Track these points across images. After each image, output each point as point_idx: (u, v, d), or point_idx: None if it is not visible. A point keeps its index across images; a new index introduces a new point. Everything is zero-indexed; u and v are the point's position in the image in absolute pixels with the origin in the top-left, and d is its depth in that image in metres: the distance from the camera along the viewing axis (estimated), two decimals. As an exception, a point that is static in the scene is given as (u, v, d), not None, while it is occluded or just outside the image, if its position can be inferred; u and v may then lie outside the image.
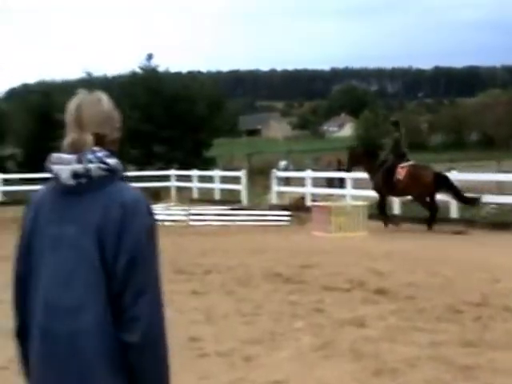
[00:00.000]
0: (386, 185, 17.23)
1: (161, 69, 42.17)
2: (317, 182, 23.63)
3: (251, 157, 41.70)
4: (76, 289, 2.54)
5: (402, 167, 17.13)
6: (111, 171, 2.60)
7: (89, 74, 43.68)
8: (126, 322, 2.53)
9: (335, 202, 17.96)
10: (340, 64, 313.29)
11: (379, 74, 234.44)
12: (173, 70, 51.03)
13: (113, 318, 2.54)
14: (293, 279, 10.48)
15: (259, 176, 29.04)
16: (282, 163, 28.62)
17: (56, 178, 2.59)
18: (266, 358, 6.65)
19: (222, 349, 6.92)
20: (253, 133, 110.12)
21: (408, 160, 17.48)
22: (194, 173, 28.73)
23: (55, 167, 2.58)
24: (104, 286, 2.54)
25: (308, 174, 22.57)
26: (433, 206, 17.01)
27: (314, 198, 21.62)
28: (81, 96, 2.70)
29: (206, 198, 26.66)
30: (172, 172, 29.88)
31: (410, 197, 17.92)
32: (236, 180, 26.21)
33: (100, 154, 2.59)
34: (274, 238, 16.54)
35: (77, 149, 2.59)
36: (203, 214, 20.78)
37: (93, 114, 2.65)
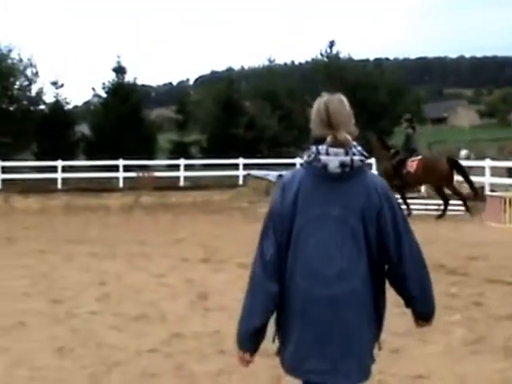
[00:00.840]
0: (397, 177, 18.39)
1: (343, 56, 42.16)
2: (499, 172, 22.71)
3: (432, 145, 40.74)
4: (341, 260, 3.08)
5: (413, 161, 18.34)
6: (365, 162, 3.19)
7: (272, 62, 44.41)
8: (409, 280, 3.21)
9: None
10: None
11: None
12: (359, 57, 50.73)
13: (372, 281, 3.15)
14: (457, 271, 10.19)
15: (440, 165, 28.29)
16: (463, 152, 27.68)
17: (323, 167, 3.12)
18: (413, 351, 6.47)
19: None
20: (439, 121, 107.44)
21: (418, 155, 18.73)
22: (373, 160, 28.45)
23: (324, 158, 3.12)
24: (364, 257, 3.12)
25: (487, 163, 21.75)
26: (445, 196, 18.40)
27: (493, 188, 20.76)
28: (326, 98, 3.25)
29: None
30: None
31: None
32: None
33: (359, 148, 3.19)
34: (446, 227, 16.08)
35: (340, 144, 3.13)
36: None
37: (340, 115, 3.21)
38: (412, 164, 18.36)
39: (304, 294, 3.10)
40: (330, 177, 3.13)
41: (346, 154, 3.12)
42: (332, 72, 39.31)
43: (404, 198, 18.74)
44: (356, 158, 3.14)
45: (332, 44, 42.07)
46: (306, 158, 3.22)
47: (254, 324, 3.22)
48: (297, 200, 3.15)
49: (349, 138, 3.16)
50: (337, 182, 3.13)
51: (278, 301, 3.20)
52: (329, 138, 3.15)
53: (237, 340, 3.31)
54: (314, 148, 3.17)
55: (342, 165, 3.11)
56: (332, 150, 3.12)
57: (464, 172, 18.68)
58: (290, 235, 3.16)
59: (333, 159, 3.11)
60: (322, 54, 42.01)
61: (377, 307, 3.21)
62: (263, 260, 3.20)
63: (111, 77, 39.94)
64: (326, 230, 3.11)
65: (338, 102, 3.25)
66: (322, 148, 3.14)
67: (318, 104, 3.26)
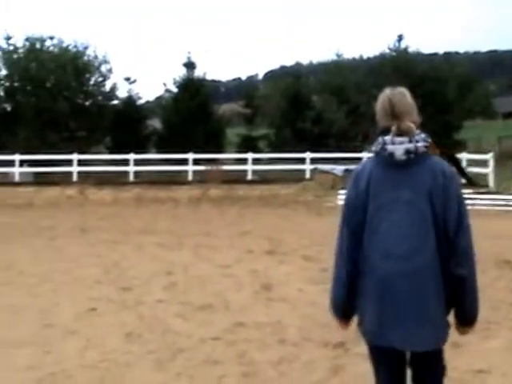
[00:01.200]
0: None
1: (412, 50, 41.67)
2: None
3: (502, 140, 39.96)
4: (412, 238, 3.38)
5: None
6: (428, 148, 3.44)
7: (339, 56, 44.22)
8: (458, 258, 3.40)
9: None
10: None
11: None
12: (429, 51, 49.87)
13: (440, 257, 3.38)
14: (522, 267, 10.07)
15: (511, 160, 27.77)
16: (533, 147, 27.14)
17: (390, 155, 3.41)
18: (474, 346, 6.42)
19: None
20: (510, 115, 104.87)
21: None
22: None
23: (390, 147, 3.42)
24: (432, 234, 3.37)
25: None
26: None
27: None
28: (389, 92, 3.56)
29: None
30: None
31: None
32: (484, 163, 25.32)
33: (423, 136, 3.46)
34: (514, 223, 15.82)
35: (404, 133, 3.42)
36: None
37: (403, 105, 3.50)
38: None
39: (380, 271, 3.42)
40: (397, 164, 3.42)
41: (410, 141, 3.40)
42: (400, 66, 38.86)
43: None
44: (420, 144, 3.41)
45: (400, 38, 41.63)
46: (374, 148, 3.51)
47: (339, 297, 3.66)
48: (369, 188, 3.46)
49: (412, 126, 3.44)
50: (404, 168, 3.41)
51: (357, 279, 3.55)
52: (393, 128, 3.43)
53: (331, 311, 3.76)
54: (380, 139, 3.47)
55: (407, 152, 3.39)
56: (397, 139, 3.41)
57: (457, 164, 19.94)
58: (365, 221, 3.47)
59: (398, 147, 3.40)
60: (390, 49, 41.63)
61: (446, 281, 3.44)
62: (342, 247, 3.59)
63: (182, 72, 40.55)
64: (397, 213, 3.41)
65: (400, 94, 3.55)
66: (388, 138, 3.43)
67: (382, 97, 3.57)
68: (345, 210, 3.59)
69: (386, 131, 3.49)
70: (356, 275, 3.55)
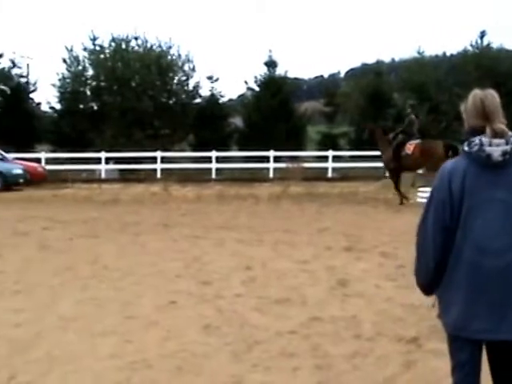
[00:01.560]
0: (394, 159, 19.45)
1: (495, 46, 40.75)
2: None
3: None
4: (505, 235, 3.53)
5: (411, 144, 19.28)
6: None
7: (421, 53, 43.61)
8: None
9: None
10: None
11: None
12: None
13: None
14: None
15: None
16: None
17: (487, 156, 3.53)
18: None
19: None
20: None
21: (417, 139, 19.53)
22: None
23: (488, 148, 3.54)
24: None
25: None
26: None
27: None
28: (480, 92, 3.70)
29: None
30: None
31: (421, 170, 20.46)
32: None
33: None
34: None
35: (499, 135, 3.55)
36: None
37: (494, 107, 3.64)
38: (410, 147, 19.22)
39: (473, 266, 3.55)
40: (493, 164, 3.54)
41: (507, 143, 3.53)
42: (482, 63, 38.00)
43: (397, 183, 19.75)
44: None
45: (483, 34, 40.71)
46: (467, 148, 3.62)
47: (423, 282, 3.83)
48: (464, 186, 3.58)
49: (505, 127, 3.57)
50: (499, 168, 3.54)
51: (441, 272, 3.68)
52: (488, 131, 3.56)
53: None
54: (477, 140, 3.57)
55: (504, 153, 3.51)
56: (494, 140, 3.54)
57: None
58: (459, 216, 3.60)
59: (496, 149, 3.52)
60: (472, 46, 40.76)
61: None
62: (428, 242, 3.69)
63: (263, 70, 40.84)
64: (492, 211, 3.54)
65: (491, 95, 3.68)
66: (485, 140, 3.55)
67: (474, 97, 3.70)
68: (435, 206, 3.68)
69: (475, 130, 3.62)
70: (443, 269, 3.67)
